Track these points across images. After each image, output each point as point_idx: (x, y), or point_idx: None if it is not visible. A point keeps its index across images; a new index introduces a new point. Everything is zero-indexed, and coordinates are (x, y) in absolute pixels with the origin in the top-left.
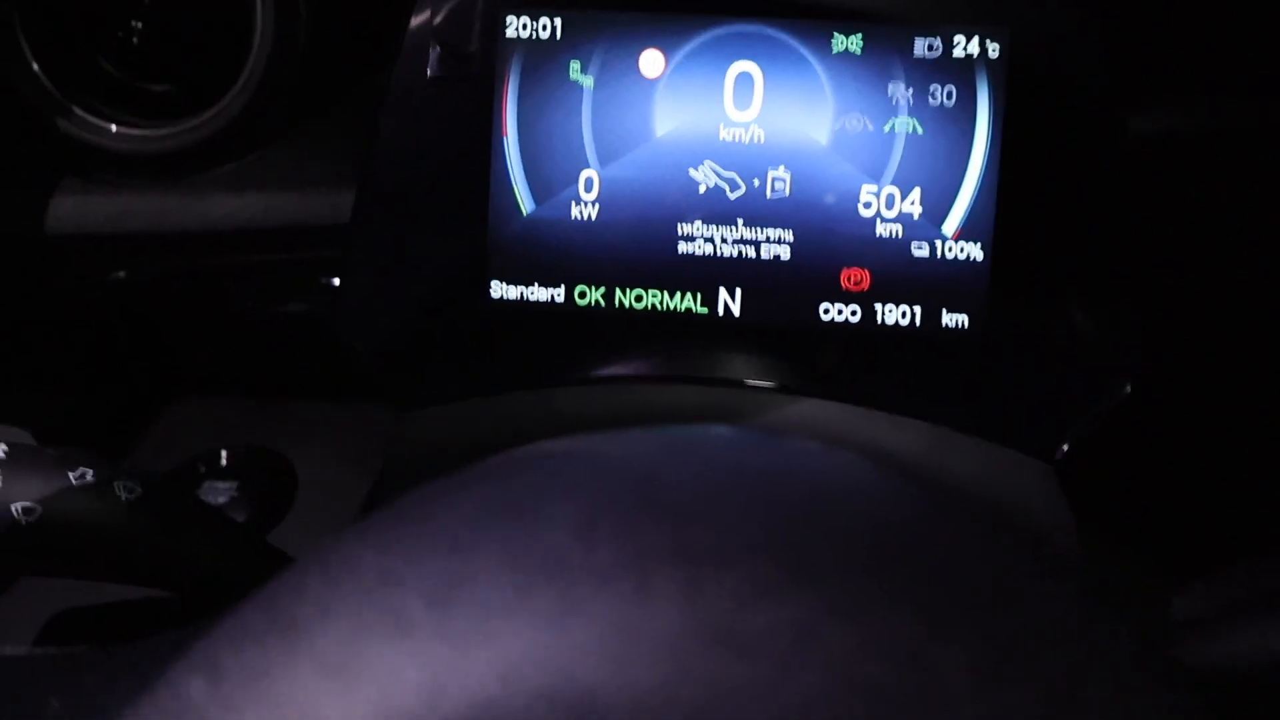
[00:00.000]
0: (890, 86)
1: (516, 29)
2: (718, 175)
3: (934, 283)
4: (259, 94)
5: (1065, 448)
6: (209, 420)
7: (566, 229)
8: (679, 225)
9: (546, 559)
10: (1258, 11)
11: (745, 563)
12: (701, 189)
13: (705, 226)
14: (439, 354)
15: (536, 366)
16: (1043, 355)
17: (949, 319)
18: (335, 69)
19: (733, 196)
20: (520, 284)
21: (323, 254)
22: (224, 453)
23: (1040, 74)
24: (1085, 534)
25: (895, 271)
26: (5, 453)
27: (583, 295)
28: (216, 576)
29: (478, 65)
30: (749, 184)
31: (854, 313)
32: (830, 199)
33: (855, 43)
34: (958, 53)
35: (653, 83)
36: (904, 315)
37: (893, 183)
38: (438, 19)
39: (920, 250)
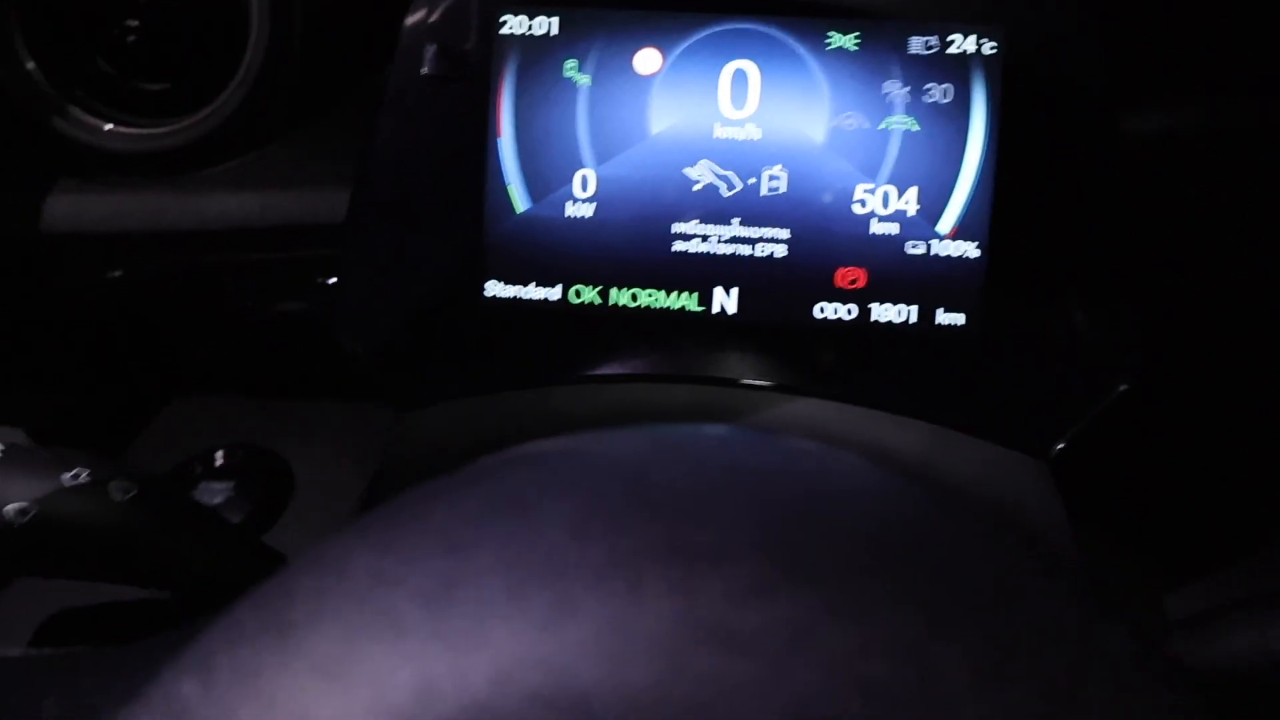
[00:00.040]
0: (886, 84)
1: (512, 27)
2: (713, 173)
3: (929, 281)
4: (255, 92)
5: (1060, 446)
6: (205, 419)
7: (562, 228)
8: (674, 224)
9: (540, 559)
10: (1257, 11)
11: (740, 561)
12: (697, 187)
13: (701, 225)
14: (435, 353)
15: (532, 365)
16: (1038, 354)
17: (944, 318)
18: (331, 68)
19: (728, 195)
20: (516, 283)
21: (319, 253)
22: (220, 453)
23: (1036, 72)
24: (1081, 533)
25: (891, 270)
26: (0, 453)
27: (578, 294)
28: (211, 577)
29: (473, 64)
30: (745, 182)
31: (849, 311)
32: (826, 197)
33: (851, 40)
34: (954, 50)
35: (648, 81)
36: (899, 314)
37: (888, 181)
38: (433, 17)
39: (916, 249)
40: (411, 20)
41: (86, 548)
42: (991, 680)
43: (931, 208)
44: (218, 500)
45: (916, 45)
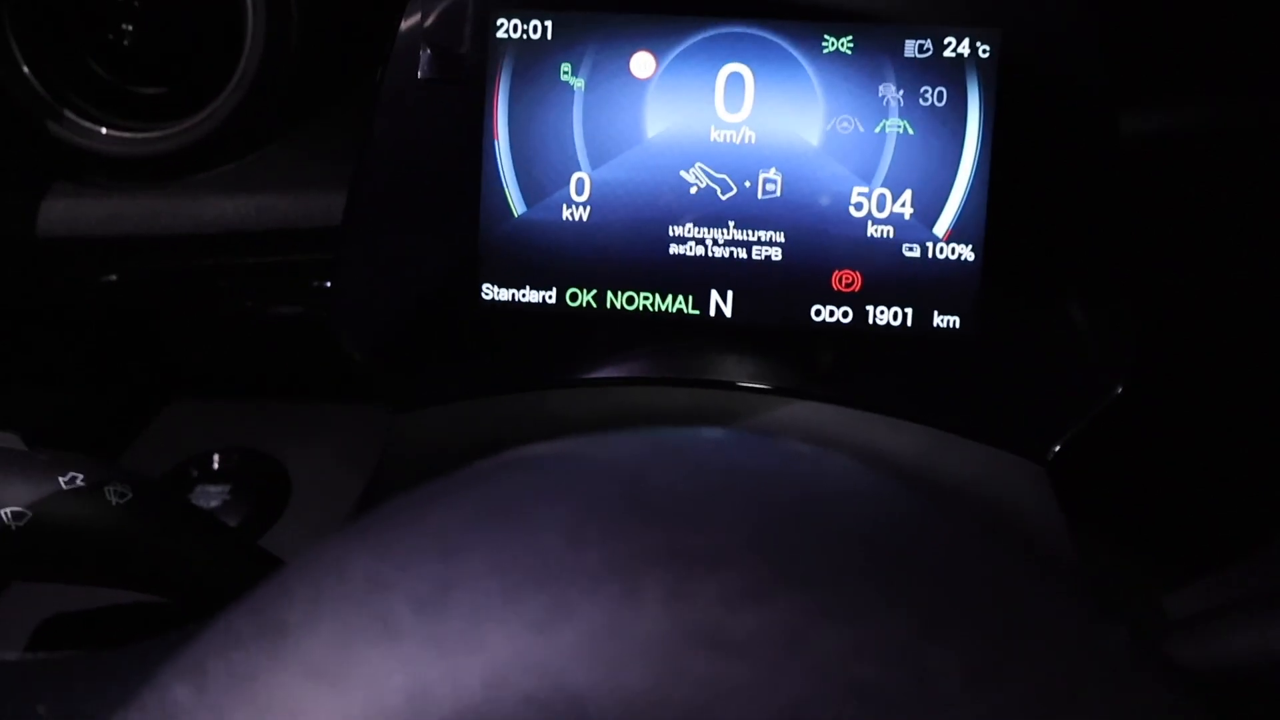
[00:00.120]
0: (881, 87)
1: (507, 30)
2: (709, 177)
3: (925, 284)
4: (251, 96)
5: (1057, 449)
6: (202, 422)
7: (558, 231)
8: (670, 227)
9: (535, 562)
10: (1257, 11)
11: (735, 564)
12: (693, 190)
13: (696, 228)
14: (431, 356)
15: (528, 368)
16: (1034, 356)
17: (940, 320)
18: (327, 71)
19: (724, 198)
20: (512, 286)
21: (315, 256)
22: (216, 456)
23: (1031, 75)
24: (1079, 534)
25: (887, 273)
26: None
27: (574, 297)
28: (208, 581)
29: (468, 67)
30: (740, 185)
31: (845, 314)
32: (821, 200)
33: (846, 44)
34: (948, 53)
35: (644, 84)
36: (895, 316)
37: (884, 184)
38: (428, 21)
39: (911, 251)
40: (406, 24)
41: (82, 552)
42: (986, 682)
43: (927, 211)
44: (214, 504)
45: (911, 48)
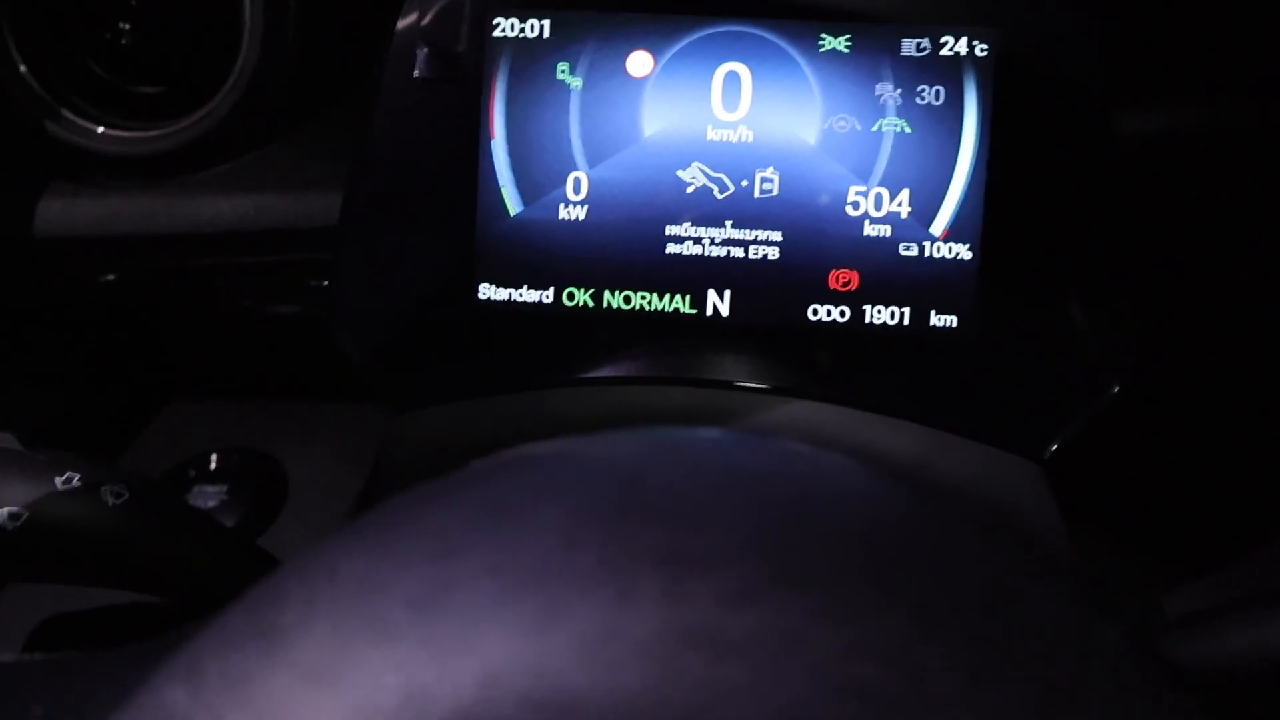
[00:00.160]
0: (878, 86)
1: (504, 29)
2: (706, 176)
3: (922, 283)
4: (248, 95)
5: (1055, 448)
6: (200, 422)
7: (555, 230)
8: (667, 226)
9: (530, 563)
10: (1257, 11)
11: (731, 565)
12: (690, 190)
13: (693, 227)
14: (429, 356)
15: (526, 368)
16: (1031, 355)
17: (937, 319)
18: (325, 70)
19: (721, 197)
20: (509, 286)
21: (313, 256)
22: (214, 456)
23: (1029, 74)
24: (1077, 533)
25: (884, 272)
26: None
27: (571, 297)
28: (205, 582)
29: (466, 66)
30: (737, 184)
31: (843, 313)
32: (818, 199)
33: (843, 42)
34: (945, 52)
35: (641, 83)
36: (893, 316)
37: (881, 183)
38: (425, 20)
39: (908, 250)
40: (403, 23)
41: (79, 552)
42: (983, 682)
43: (924, 210)
44: (212, 504)
45: (908, 47)
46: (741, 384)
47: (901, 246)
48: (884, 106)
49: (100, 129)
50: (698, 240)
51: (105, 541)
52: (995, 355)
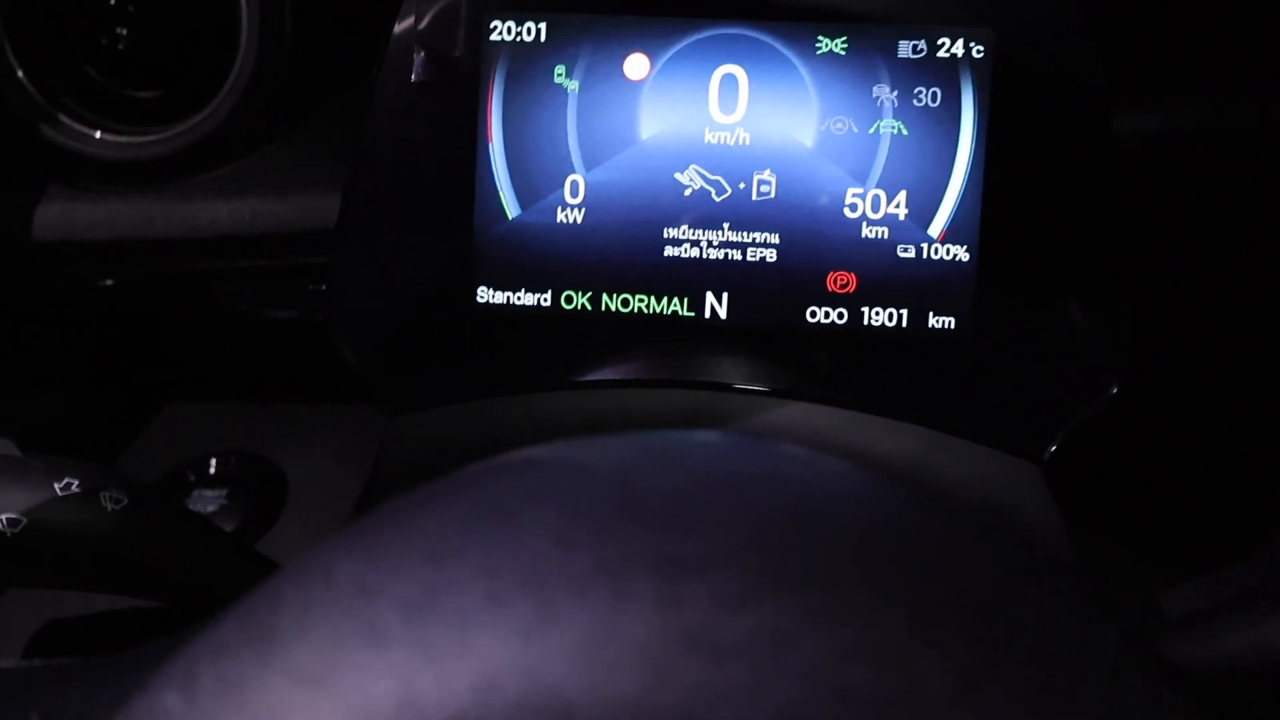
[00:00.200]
0: (875, 88)
1: (501, 33)
2: (703, 178)
3: (920, 285)
4: (245, 99)
5: (1053, 448)
6: (199, 425)
7: (552, 233)
8: (665, 229)
9: (524, 567)
10: (1257, 11)
11: (725, 568)
12: (687, 192)
13: (691, 230)
14: (427, 358)
15: (524, 371)
16: (1030, 356)
17: (936, 321)
18: (322, 74)
19: (718, 199)
20: (507, 289)
21: (311, 260)
22: (213, 460)
23: (1026, 75)
24: (1076, 533)
25: (881, 274)
26: None
27: (569, 300)
28: (205, 586)
29: (463, 70)
30: (735, 187)
31: (841, 315)
32: (816, 201)
33: (840, 44)
34: (942, 54)
35: (638, 86)
36: (891, 317)
37: (878, 185)
38: (422, 24)
39: (906, 252)
40: (400, 27)
41: (78, 558)
42: (978, 684)
43: (922, 211)
44: (211, 508)
45: (905, 49)
46: (740, 386)
47: (899, 248)
48: (881, 108)
49: (97, 133)
50: (695, 243)
51: (104, 547)
52: (993, 356)
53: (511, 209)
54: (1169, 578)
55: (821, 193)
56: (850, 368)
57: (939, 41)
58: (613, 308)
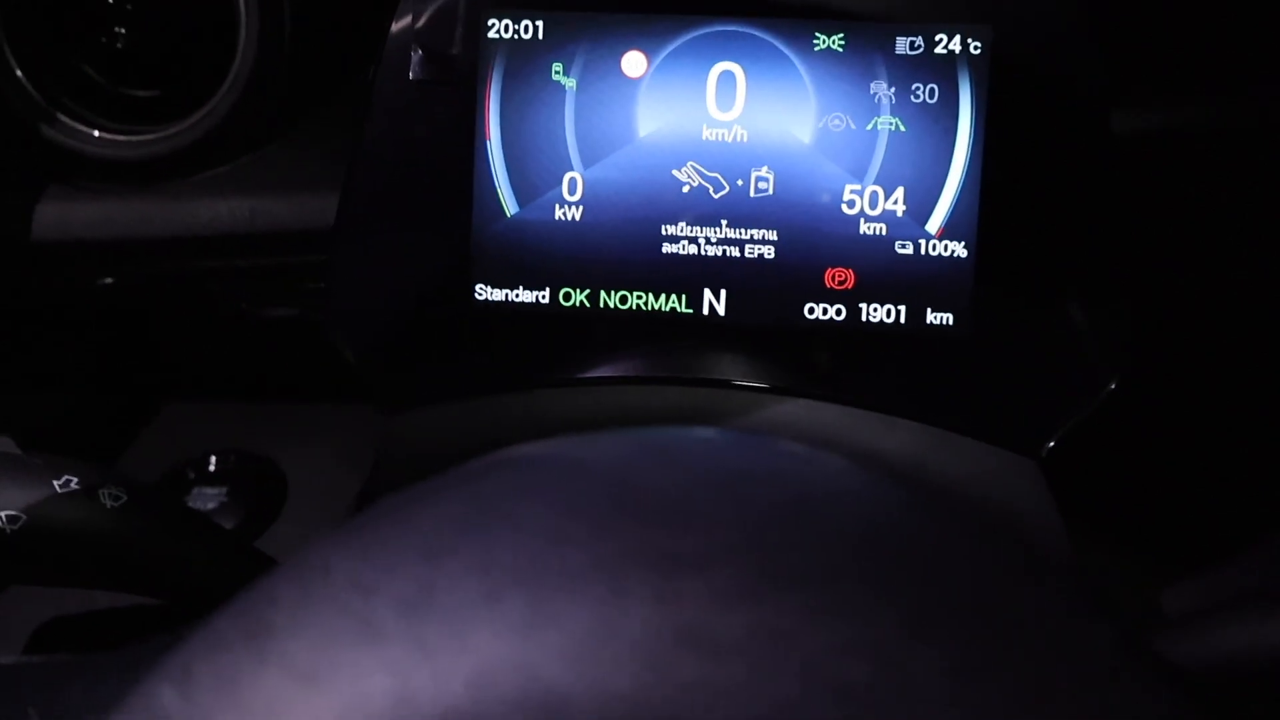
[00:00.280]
0: (873, 85)
1: (498, 31)
2: (701, 176)
3: (918, 281)
4: (244, 98)
5: (1051, 445)
6: (199, 424)
7: (550, 231)
8: (663, 226)
9: (520, 564)
10: (1257, 11)
11: (721, 565)
12: (685, 189)
13: (689, 227)
14: (426, 356)
15: (522, 368)
16: (1028, 352)
17: (934, 317)
18: (321, 73)
19: (716, 197)
20: (505, 286)
21: (310, 258)
22: (213, 458)
23: (1024, 71)
24: (1074, 531)
25: (879, 270)
26: None
27: (567, 297)
28: (204, 584)
29: (460, 68)
30: (732, 184)
31: (839, 312)
32: (814, 198)
33: (837, 41)
34: (940, 50)
35: (635, 83)
36: (889, 314)
37: (876, 181)
38: (420, 22)
39: (904, 249)
40: (397, 26)
41: (77, 555)
42: (974, 682)
43: (919, 208)
44: (211, 506)
45: (902, 45)
46: (738, 383)
47: (897, 244)
48: (879, 105)
49: (96, 132)
50: (693, 240)
51: (103, 544)
52: (991, 352)
53: (510, 206)
54: (1168, 576)
55: (819, 189)
56: (848, 364)
57: (936, 38)
58: (611, 305)
